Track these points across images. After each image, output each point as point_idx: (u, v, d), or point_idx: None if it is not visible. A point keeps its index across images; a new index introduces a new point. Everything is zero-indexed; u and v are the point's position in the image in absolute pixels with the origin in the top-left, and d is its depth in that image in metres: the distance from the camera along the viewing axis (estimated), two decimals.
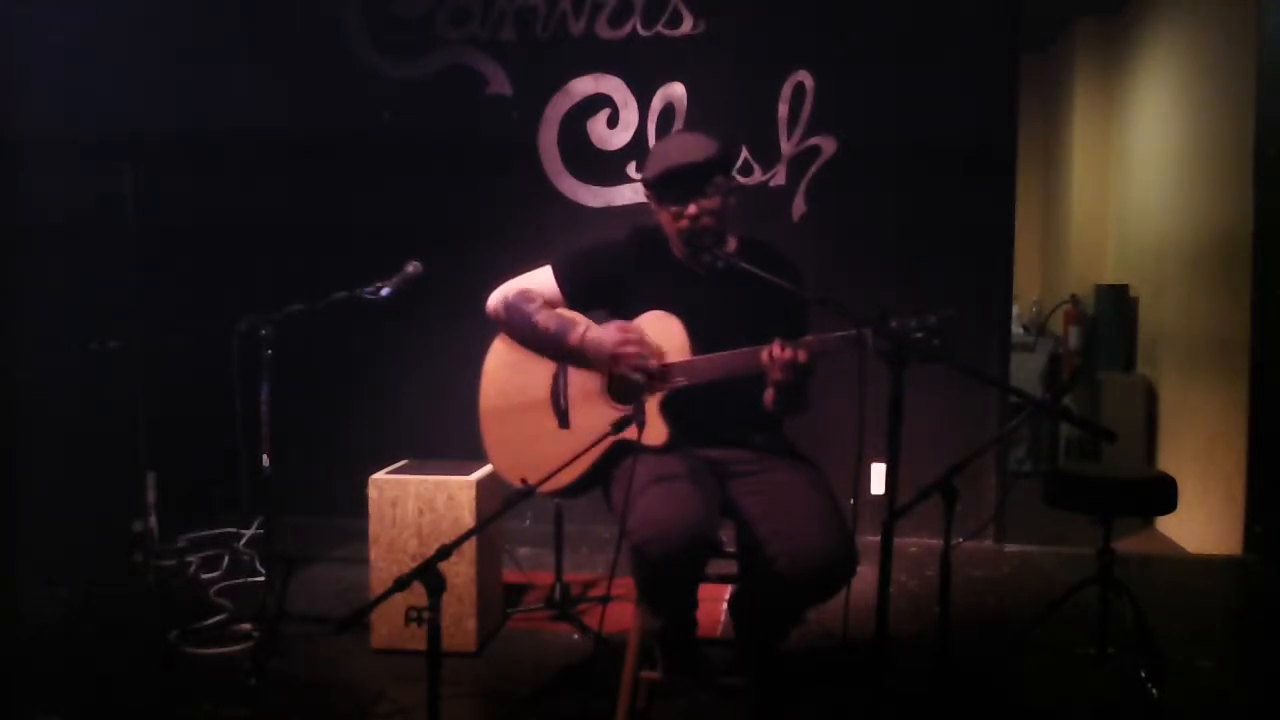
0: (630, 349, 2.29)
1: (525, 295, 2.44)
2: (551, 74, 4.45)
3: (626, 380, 2.35)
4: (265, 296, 3.16)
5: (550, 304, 2.45)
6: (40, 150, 4.10)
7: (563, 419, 2.41)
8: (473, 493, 2.99)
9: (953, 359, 2.01)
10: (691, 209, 2.30)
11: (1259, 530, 4.07)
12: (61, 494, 3.95)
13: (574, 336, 2.36)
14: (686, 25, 4.34)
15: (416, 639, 2.96)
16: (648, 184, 2.37)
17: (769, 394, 2.29)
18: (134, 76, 4.55)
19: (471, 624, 3.02)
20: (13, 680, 2.95)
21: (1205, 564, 4.23)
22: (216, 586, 3.66)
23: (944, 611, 2.21)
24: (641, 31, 4.37)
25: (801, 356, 2.15)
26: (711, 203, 2.31)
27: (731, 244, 2.41)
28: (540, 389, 2.44)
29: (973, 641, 3.11)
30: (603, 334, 2.33)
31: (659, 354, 2.30)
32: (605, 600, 3.13)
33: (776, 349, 2.16)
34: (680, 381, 2.30)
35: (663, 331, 2.33)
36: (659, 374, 2.28)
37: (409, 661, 2.90)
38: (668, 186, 2.31)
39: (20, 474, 3.93)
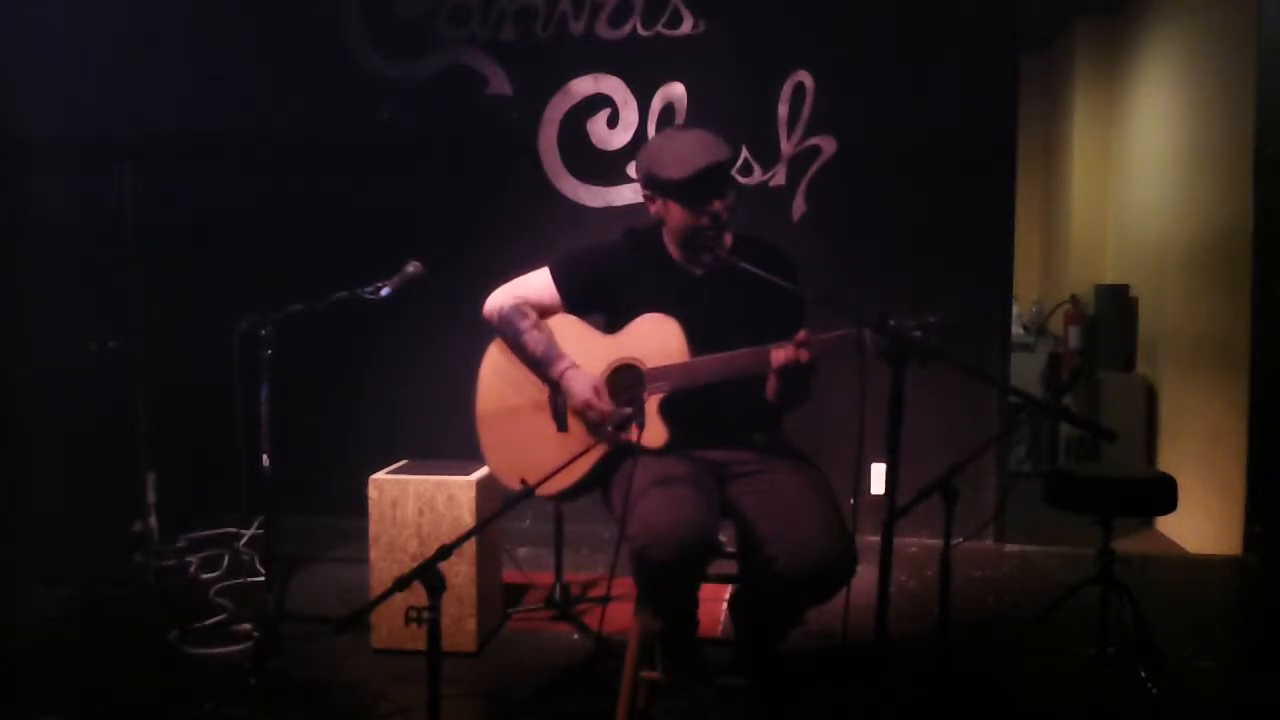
0: (592, 415, 2.32)
1: (519, 310, 2.44)
2: (551, 74, 4.45)
3: (624, 381, 2.35)
4: (265, 296, 3.16)
5: (548, 307, 2.45)
6: (40, 151, 4.10)
7: (561, 421, 2.41)
8: (473, 493, 2.99)
9: (952, 359, 2.01)
10: (716, 206, 2.30)
11: (1259, 530, 4.07)
12: (61, 494, 3.95)
13: (554, 371, 2.38)
14: (686, 25, 4.34)
15: (416, 639, 2.97)
16: (671, 184, 2.30)
17: (771, 384, 2.29)
18: (134, 76, 4.56)
19: (471, 624, 3.02)
20: (13, 680, 2.95)
21: (1205, 564, 4.23)
22: (216, 586, 3.66)
23: (944, 611, 2.21)
24: (641, 31, 4.37)
25: (804, 356, 2.16)
26: (730, 200, 2.32)
27: (728, 241, 2.41)
28: (538, 391, 2.43)
29: (973, 641, 3.11)
30: (578, 385, 2.34)
31: (621, 422, 2.28)
32: (605, 600, 3.13)
33: (779, 354, 2.16)
34: (676, 384, 2.29)
35: (660, 334, 2.33)
36: (620, 428, 2.27)
37: (409, 661, 2.89)
38: (696, 187, 2.29)
39: (20, 474, 3.94)
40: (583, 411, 2.34)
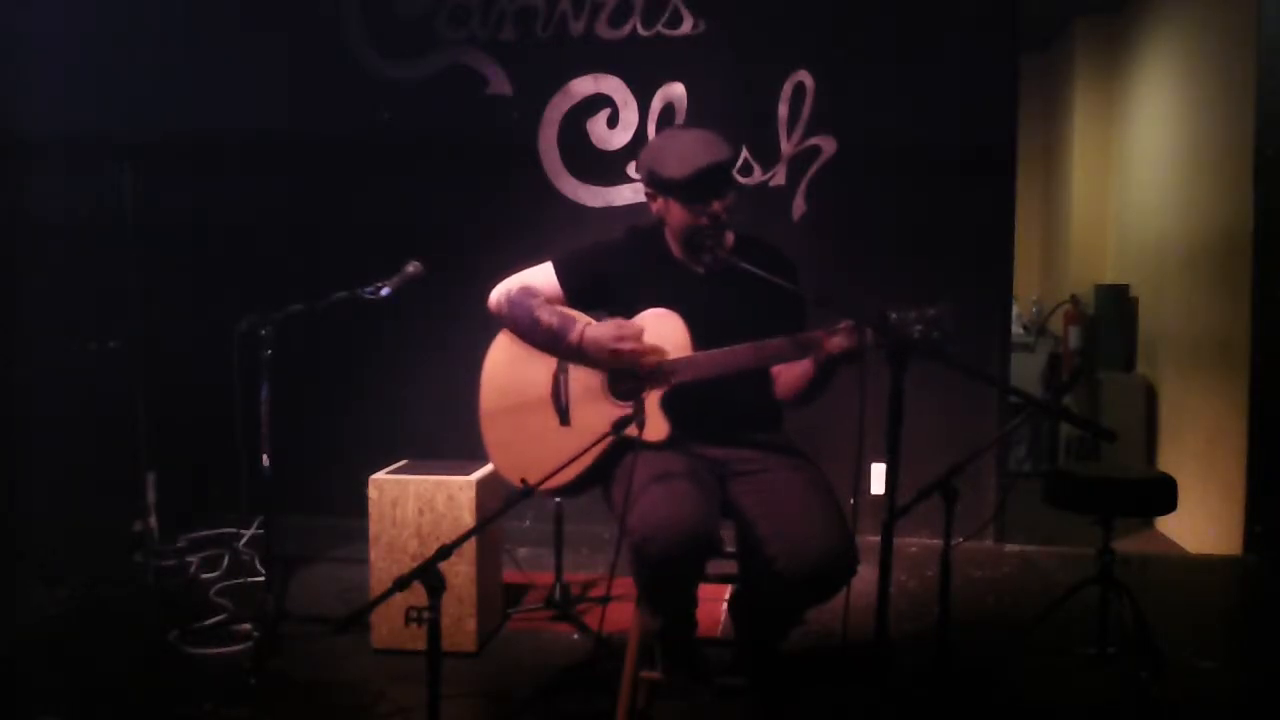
0: (626, 345, 2.29)
1: (528, 291, 2.44)
2: (551, 74, 4.45)
3: (627, 377, 2.35)
4: (265, 296, 3.16)
5: (552, 301, 2.45)
6: (40, 151, 4.10)
7: (564, 417, 2.41)
8: (473, 493, 2.99)
9: (952, 357, 2.01)
10: (716, 206, 2.30)
11: (1259, 530, 4.07)
12: (61, 494, 3.95)
13: (574, 334, 2.35)
14: (686, 25, 4.34)
15: (416, 639, 2.97)
16: (671, 183, 2.31)
17: (797, 375, 2.30)
18: (134, 77, 4.55)
19: (471, 624, 3.02)
20: (13, 680, 2.95)
21: (1205, 564, 4.23)
22: (216, 586, 3.66)
23: (944, 611, 2.21)
24: (641, 31, 4.37)
25: (855, 343, 2.15)
26: (729, 200, 2.33)
27: (729, 240, 2.41)
28: (541, 387, 2.44)
29: (973, 641, 3.11)
30: (601, 330, 2.33)
31: (657, 351, 2.30)
32: (605, 600, 3.13)
33: (836, 340, 2.15)
34: (683, 378, 2.30)
35: (664, 329, 2.33)
36: (656, 370, 2.27)
37: (409, 661, 2.89)
38: (696, 186, 2.29)
39: (20, 474, 3.93)
40: (616, 350, 2.29)
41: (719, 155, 2.29)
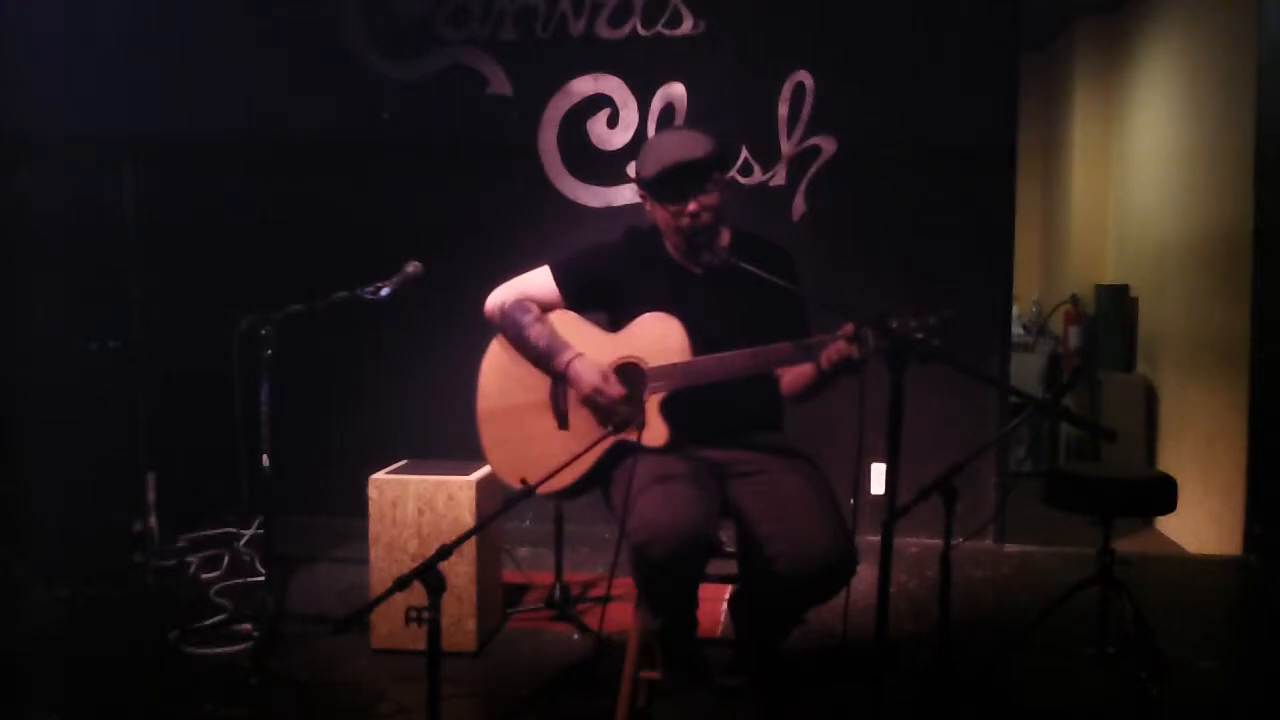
0: (602, 400, 2.31)
1: (522, 305, 2.44)
2: (551, 74, 4.45)
3: (626, 380, 2.34)
4: (265, 296, 3.16)
5: (549, 305, 2.45)
6: (40, 150, 4.10)
7: (562, 420, 2.41)
8: (473, 493, 2.99)
9: (953, 359, 2.01)
10: (691, 206, 2.29)
11: (1259, 530, 4.07)
12: (61, 494, 3.95)
13: (560, 361, 2.36)
14: (686, 25, 4.34)
15: (416, 639, 2.97)
16: (645, 183, 2.35)
17: (796, 377, 2.30)
18: (134, 76, 4.55)
19: (471, 624, 3.02)
20: (13, 680, 2.95)
21: (1205, 564, 4.23)
22: (216, 586, 3.66)
23: (944, 611, 2.21)
24: (641, 31, 4.37)
25: (855, 352, 2.11)
26: (710, 199, 2.31)
27: (725, 238, 2.41)
28: (539, 390, 2.43)
29: (973, 641, 3.11)
30: (585, 373, 2.33)
31: (631, 410, 2.29)
32: (605, 600, 3.13)
33: (838, 348, 2.13)
34: (682, 384, 2.29)
35: (662, 333, 2.33)
36: (621, 426, 2.25)
37: (409, 661, 2.90)
38: (666, 185, 2.30)
39: (20, 474, 3.93)
40: (591, 398, 2.33)
41: (689, 154, 2.27)
